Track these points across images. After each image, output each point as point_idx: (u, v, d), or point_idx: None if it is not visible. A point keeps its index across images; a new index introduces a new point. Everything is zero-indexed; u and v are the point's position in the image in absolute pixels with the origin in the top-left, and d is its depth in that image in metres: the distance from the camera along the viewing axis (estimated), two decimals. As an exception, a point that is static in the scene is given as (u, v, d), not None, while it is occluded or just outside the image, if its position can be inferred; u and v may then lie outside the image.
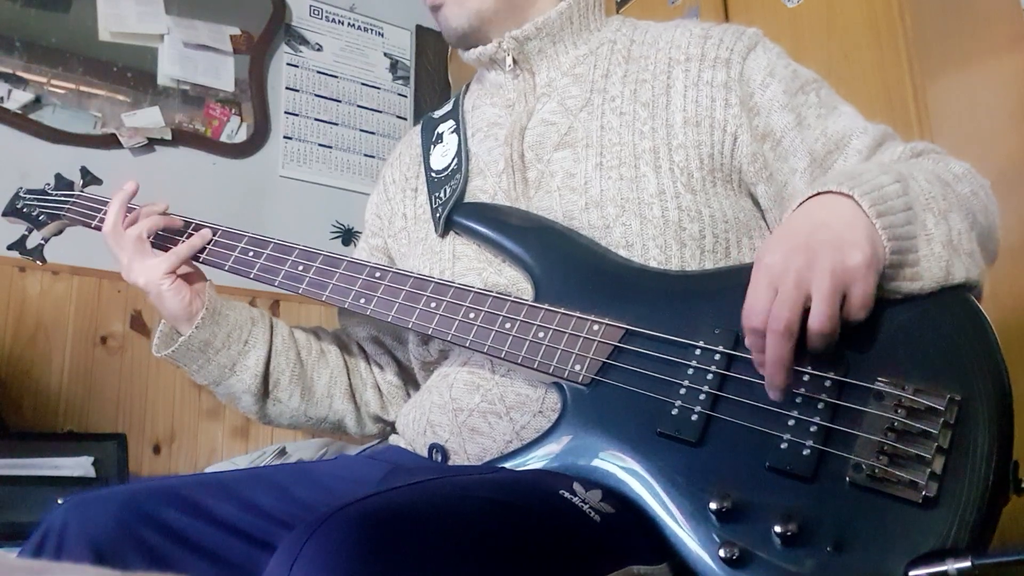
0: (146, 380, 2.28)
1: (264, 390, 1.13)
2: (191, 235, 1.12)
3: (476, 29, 1.08)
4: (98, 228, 1.18)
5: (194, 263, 1.12)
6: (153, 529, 0.83)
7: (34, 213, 1.27)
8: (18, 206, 1.29)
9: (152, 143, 2.44)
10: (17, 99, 2.29)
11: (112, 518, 0.82)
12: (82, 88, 2.41)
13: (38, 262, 1.26)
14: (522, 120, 1.05)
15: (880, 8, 1.80)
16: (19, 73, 2.32)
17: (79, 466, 1.88)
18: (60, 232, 1.28)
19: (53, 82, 2.37)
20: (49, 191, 1.28)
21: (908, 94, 1.71)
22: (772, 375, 0.76)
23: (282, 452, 2.15)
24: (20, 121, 2.27)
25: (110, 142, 2.38)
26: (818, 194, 0.81)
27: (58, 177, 1.29)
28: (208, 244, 1.12)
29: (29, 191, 1.30)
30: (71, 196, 1.24)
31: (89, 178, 1.28)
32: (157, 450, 2.26)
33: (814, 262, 0.74)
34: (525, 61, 1.09)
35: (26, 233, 1.29)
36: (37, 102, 2.32)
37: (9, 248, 1.27)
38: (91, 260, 2.19)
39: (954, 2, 1.66)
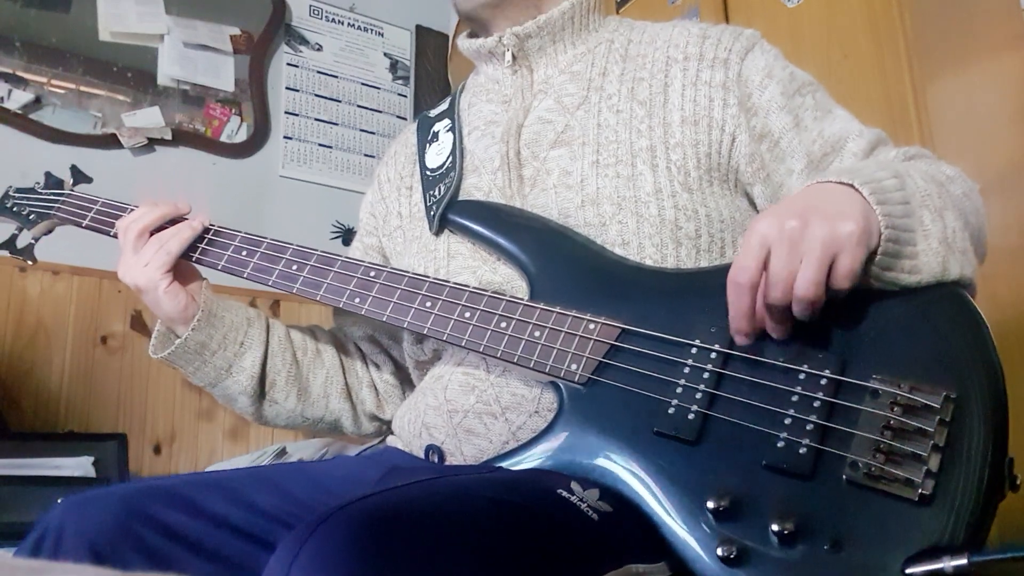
0: (146, 380, 2.29)
1: (260, 391, 1.13)
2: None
3: (497, 3, 1.07)
4: (89, 228, 1.17)
5: (188, 262, 1.12)
6: (151, 528, 0.83)
7: (24, 212, 1.25)
8: (7, 204, 1.27)
9: (152, 143, 2.44)
10: (17, 99, 2.29)
11: (110, 517, 0.82)
12: (82, 88, 2.41)
13: (28, 262, 1.25)
14: (519, 117, 1.05)
15: (880, 8, 1.80)
16: (19, 73, 2.32)
17: (79, 466, 1.88)
18: (50, 231, 1.26)
19: (53, 82, 2.37)
20: (39, 190, 1.26)
21: (908, 94, 1.71)
22: (773, 330, 0.78)
23: (282, 452, 2.15)
24: (20, 121, 2.28)
25: (110, 142, 2.38)
26: (817, 183, 0.82)
27: (48, 175, 1.28)
28: (201, 243, 1.11)
29: (19, 189, 1.28)
30: (61, 195, 1.23)
31: (79, 176, 1.27)
32: (157, 450, 2.27)
33: (806, 229, 0.75)
34: (524, 58, 1.09)
35: (16, 232, 1.27)
36: (37, 102, 2.32)
37: (-1, 248, 1.26)
38: (91, 260, 2.20)
39: (954, 2, 1.67)
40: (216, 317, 1.09)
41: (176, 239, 1.08)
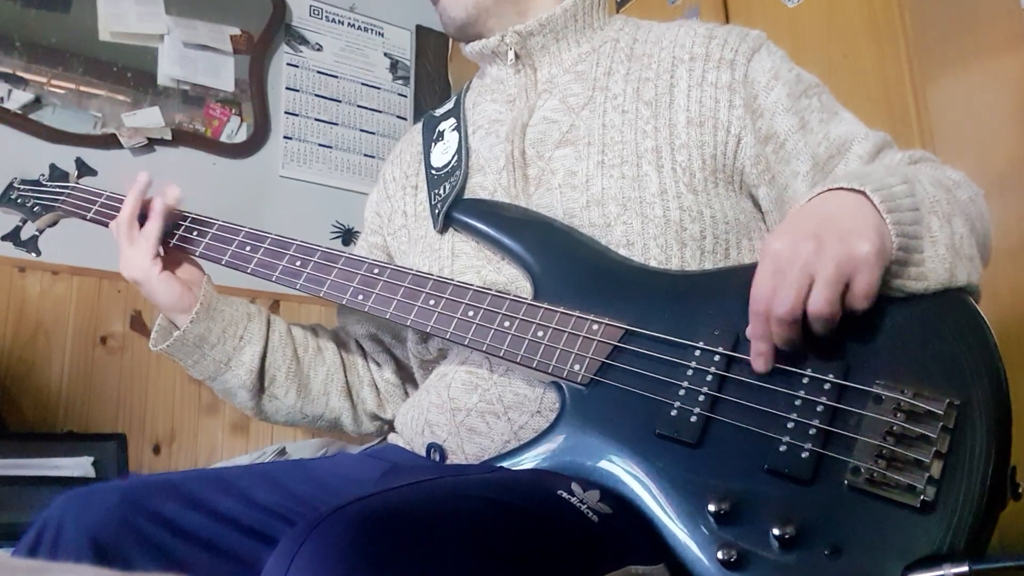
0: (146, 380, 2.28)
1: (260, 386, 1.13)
2: (189, 227, 1.12)
3: (475, 20, 1.08)
4: (94, 220, 1.18)
5: (192, 257, 1.12)
6: (152, 521, 0.83)
7: (28, 204, 1.25)
8: (12, 196, 1.27)
9: (152, 143, 2.44)
10: (17, 99, 2.29)
11: (110, 510, 0.82)
12: (82, 88, 2.41)
13: (32, 254, 1.26)
14: (523, 117, 1.05)
15: (880, 8, 1.80)
16: (19, 73, 2.32)
17: (79, 466, 1.88)
18: (55, 224, 1.26)
19: (53, 82, 2.37)
20: (44, 182, 1.27)
21: (908, 94, 1.71)
22: (776, 341, 0.77)
23: (282, 452, 2.15)
24: (20, 121, 2.27)
25: (110, 142, 2.37)
26: (828, 190, 0.81)
27: (53, 168, 1.28)
28: (204, 238, 1.11)
29: (24, 181, 1.28)
30: (66, 187, 1.23)
31: (84, 169, 1.27)
32: (157, 450, 2.27)
33: (821, 250, 0.74)
34: (527, 56, 1.09)
35: (20, 224, 1.28)
36: (37, 102, 2.32)
37: (3, 239, 1.26)
38: (91, 260, 2.19)
39: (954, 2, 1.66)
40: (215, 310, 1.10)
41: (151, 223, 1.09)
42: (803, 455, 0.74)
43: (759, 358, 0.79)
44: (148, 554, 0.82)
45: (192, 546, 0.84)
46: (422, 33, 3.06)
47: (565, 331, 0.88)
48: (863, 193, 0.78)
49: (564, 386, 0.87)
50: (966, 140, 1.60)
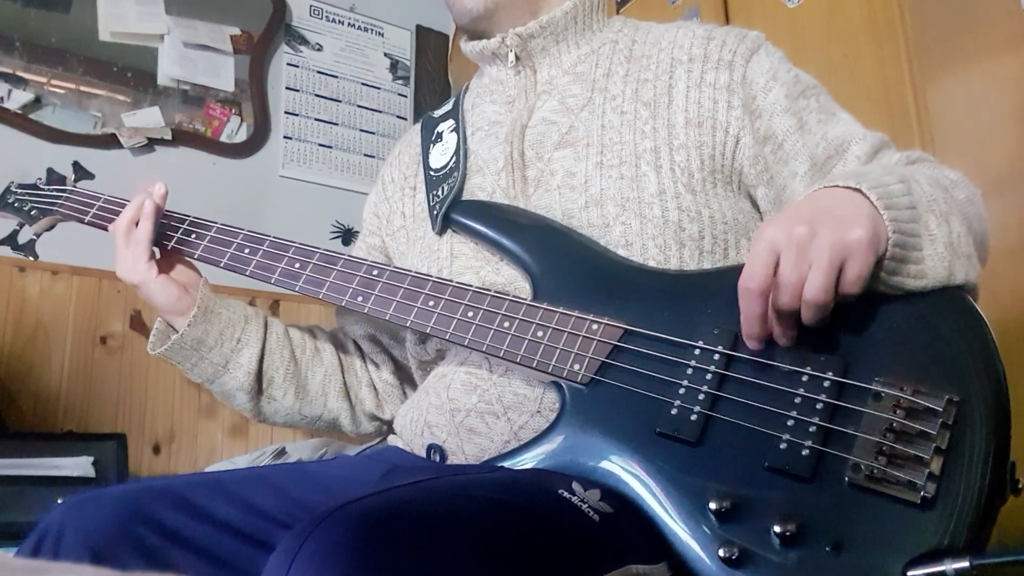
0: (146, 380, 2.28)
1: (258, 388, 1.13)
2: (188, 229, 1.12)
3: (491, 14, 1.07)
4: (92, 224, 1.18)
5: (189, 260, 1.13)
6: (151, 529, 0.83)
7: (25, 208, 1.25)
8: (8, 200, 1.27)
9: (152, 143, 2.44)
10: (17, 99, 2.29)
11: (109, 518, 0.82)
12: (82, 88, 2.41)
13: (30, 258, 1.25)
14: (523, 118, 1.05)
15: (880, 8, 1.80)
16: (19, 73, 2.32)
17: (79, 466, 1.88)
18: (52, 227, 1.26)
19: (53, 82, 2.37)
20: (41, 186, 1.27)
21: (908, 94, 1.71)
22: (781, 336, 0.78)
23: (281, 452, 2.15)
24: (20, 121, 2.27)
25: (110, 142, 2.38)
26: (824, 187, 0.82)
27: (50, 172, 1.27)
28: (203, 241, 1.11)
29: (21, 185, 1.28)
30: (63, 191, 1.23)
31: (81, 173, 1.27)
32: (157, 450, 2.27)
33: (814, 235, 0.75)
34: (528, 58, 1.09)
35: (17, 228, 1.27)
36: (37, 102, 2.32)
37: (0, 243, 1.25)
38: (91, 260, 2.19)
39: (954, 2, 1.66)
40: (213, 313, 1.10)
41: (142, 225, 1.09)
42: (803, 453, 0.75)
43: (752, 340, 0.79)
44: (147, 561, 0.82)
45: (192, 554, 0.84)
46: (422, 33, 3.06)
47: (565, 331, 0.88)
48: (860, 191, 0.79)
49: (564, 386, 0.87)
50: (966, 140, 1.60)
